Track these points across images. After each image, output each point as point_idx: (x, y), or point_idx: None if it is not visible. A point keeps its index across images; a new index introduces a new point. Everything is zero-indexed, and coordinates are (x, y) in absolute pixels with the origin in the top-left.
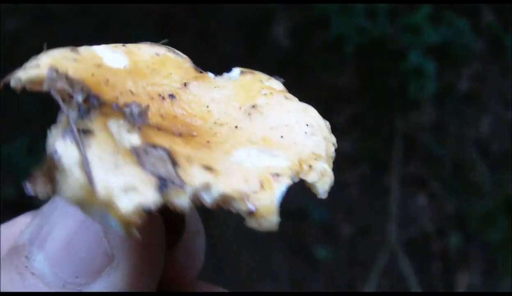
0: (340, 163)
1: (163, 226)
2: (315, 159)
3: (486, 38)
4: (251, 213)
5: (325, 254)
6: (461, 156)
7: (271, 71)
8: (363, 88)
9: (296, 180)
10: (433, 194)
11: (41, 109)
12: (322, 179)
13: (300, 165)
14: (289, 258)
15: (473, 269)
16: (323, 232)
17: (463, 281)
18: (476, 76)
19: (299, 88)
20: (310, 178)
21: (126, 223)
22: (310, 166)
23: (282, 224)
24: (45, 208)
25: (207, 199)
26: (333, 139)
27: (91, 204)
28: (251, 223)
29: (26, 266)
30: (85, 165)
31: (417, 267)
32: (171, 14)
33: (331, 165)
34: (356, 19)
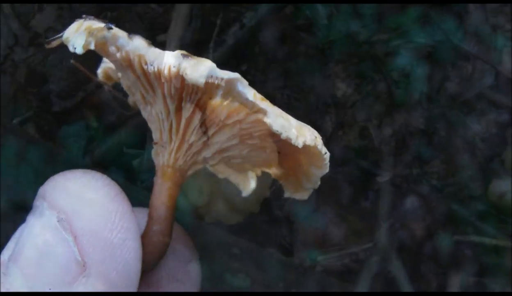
0: (329, 167)
1: (137, 231)
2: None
3: (474, 39)
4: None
5: (315, 258)
6: (451, 157)
7: (259, 76)
8: (351, 91)
9: (248, 98)
10: (424, 196)
11: (27, 118)
12: (274, 116)
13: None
14: (279, 262)
15: (465, 271)
16: (313, 236)
17: (455, 283)
18: (465, 77)
19: (287, 93)
20: (250, 95)
21: (91, 36)
22: (262, 98)
23: (271, 229)
24: (22, 225)
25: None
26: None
27: (77, 32)
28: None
29: (2, 282)
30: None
31: (409, 270)
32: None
33: (296, 131)
34: (343, 22)
